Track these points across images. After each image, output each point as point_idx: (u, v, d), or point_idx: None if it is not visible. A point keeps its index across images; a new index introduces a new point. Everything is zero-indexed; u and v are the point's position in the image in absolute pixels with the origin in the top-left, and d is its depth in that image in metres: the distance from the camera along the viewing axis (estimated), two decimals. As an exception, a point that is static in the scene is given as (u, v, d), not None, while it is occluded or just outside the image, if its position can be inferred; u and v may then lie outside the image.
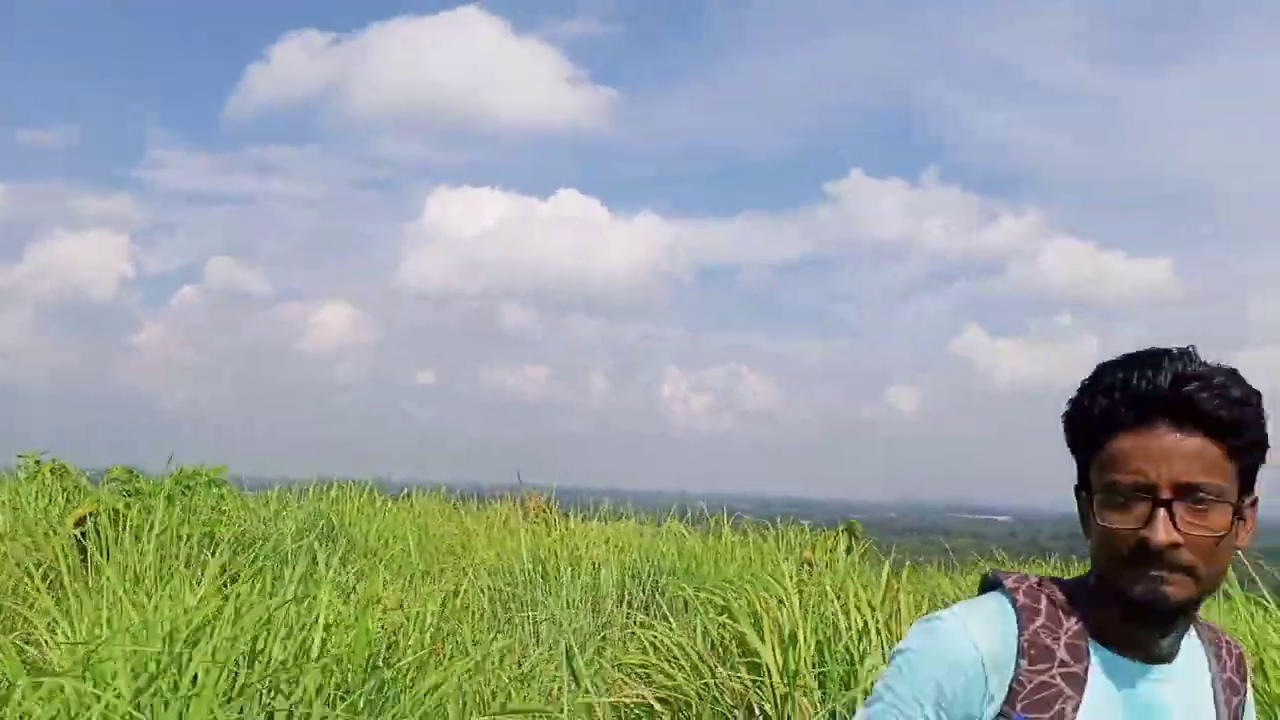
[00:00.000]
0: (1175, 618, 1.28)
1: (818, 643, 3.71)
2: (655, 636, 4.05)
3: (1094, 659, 1.33)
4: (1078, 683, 1.30)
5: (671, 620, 4.19)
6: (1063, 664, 1.31)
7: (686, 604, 5.09)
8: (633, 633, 4.29)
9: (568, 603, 5.23)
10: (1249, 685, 1.45)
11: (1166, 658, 1.34)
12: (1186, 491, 1.22)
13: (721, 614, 4.55)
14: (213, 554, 5.34)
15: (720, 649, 4.18)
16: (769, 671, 3.58)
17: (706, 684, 3.73)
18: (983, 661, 1.30)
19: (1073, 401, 1.34)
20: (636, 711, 3.67)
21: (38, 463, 9.04)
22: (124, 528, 5.99)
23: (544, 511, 9.69)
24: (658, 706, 3.62)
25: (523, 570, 6.43)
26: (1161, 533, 1.21)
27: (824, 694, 3.60)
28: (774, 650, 3.59)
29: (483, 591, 5.80)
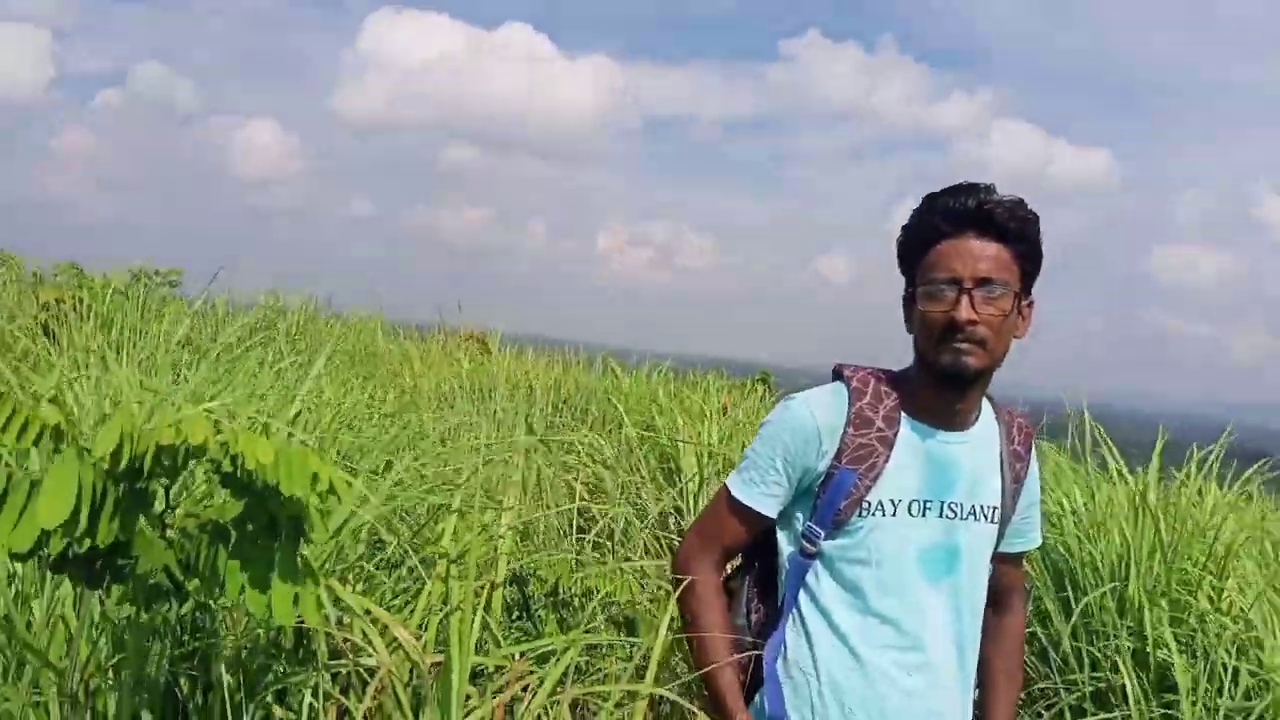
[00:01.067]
0: (973, 383, 1.74)
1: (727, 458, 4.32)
2: (585, 439, 4.63)
3: (904, 426, 1.78)
4: (888, 442, 1.76)
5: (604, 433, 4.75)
6: (879, 430, 1.76)
7: (617, 425, 5.68)
8: (570, 441, 4.84)
9: (504, 415, 5.73)
10: (1033, 457, 1.90)
11: (963, 425, 1.80)
12: (983, 282, 1.67)
13: (647, 430, 5.16)
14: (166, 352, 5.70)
15: (644, 460, 4.79)
16: (683, 470, 4.19)
17: (624, 482, 4.32)
18: (819, 429, 1.78)
19: (905, 225, 1.79)
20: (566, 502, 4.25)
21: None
22: (85, 317, 6.28)
23: (481, 342, 10.14)
24: (586, 496, 4.21)
25: (461, 389, 6.91)
26: (964, 310, 1.66)
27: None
28: (695, 461, 4.19)
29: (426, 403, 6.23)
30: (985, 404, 1.87)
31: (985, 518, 1.81)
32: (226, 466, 1.40)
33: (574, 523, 3.64)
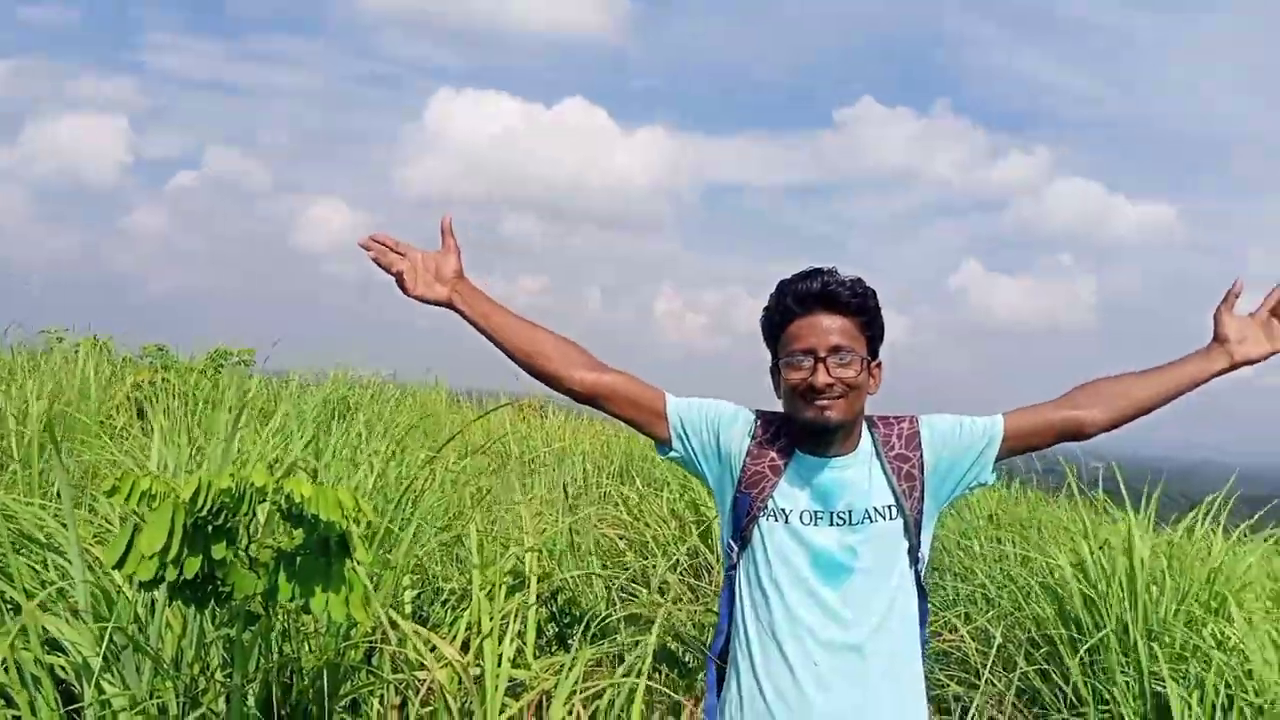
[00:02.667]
0: (835, 432, 2.02)
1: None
2: (625, 496, 5.02)
3: (793, 457, 2.06)
4: (778, 470, 2.05)
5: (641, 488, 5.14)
6: (772, 462, 2.06)
7: (656, 484, 6.06)
8: (609, 493, 5.23)
9: (552, 480, 6.16)
10: (924, 432, 2.10)
11: (843, 452, 2.05)
12: (835, 351, 1.97)
13: (685, 489, 5.53)
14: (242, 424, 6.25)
15: (678, 516, 5.16)
16: (713, 523, 4.56)
17: (657, 535, 4.69)
18: (752, 427, 2.10)
19: (765, 307, 2.09)
20: (610, 551, 4.63)
21: (61, 339, 9.83)
22: (173, 395, 6.89)
23: (536, 412, 10.63)
24: (627, 551, 4.59)
25: (516, 456, 7.35)
26: (821, 376, 1.96)
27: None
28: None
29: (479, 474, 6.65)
30: (865, 428, 2.12)
31: (883, 516, 2.03)
32: (283, 504, 1.86)
33: (606, 568, 4.00)
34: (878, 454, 2.09)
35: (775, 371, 2.09)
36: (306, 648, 2.37)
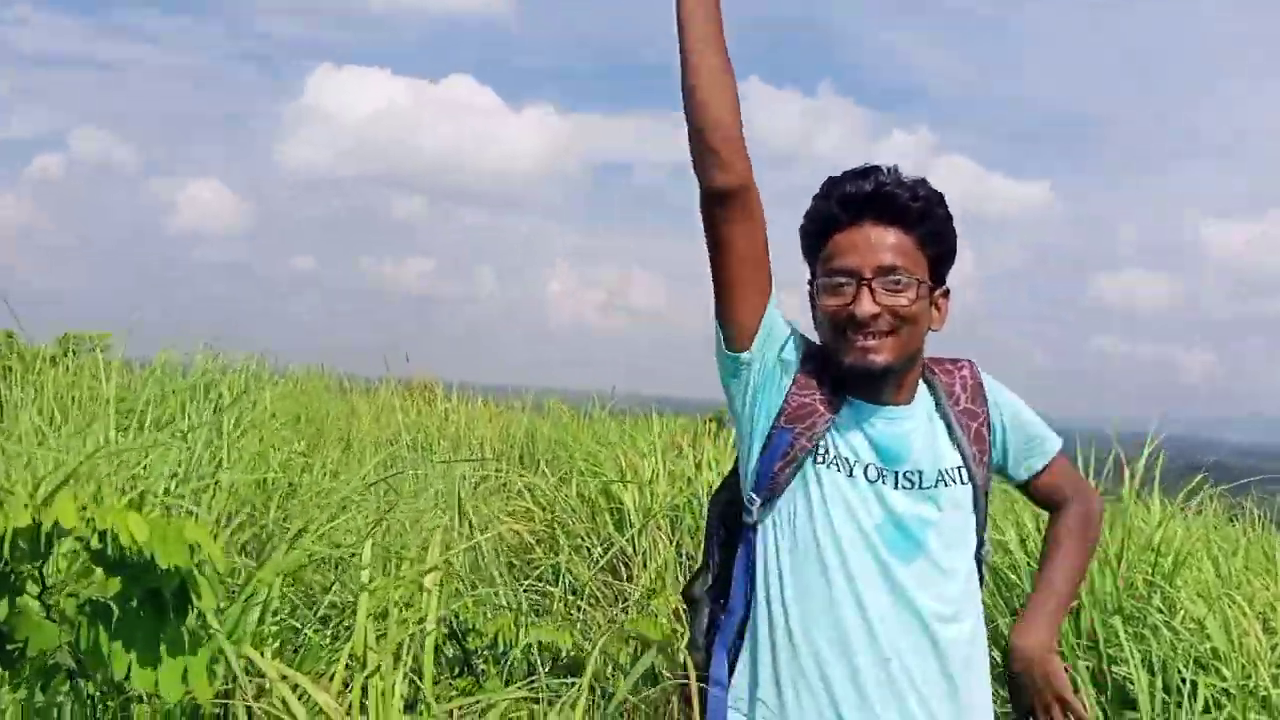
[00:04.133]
0: (885, 377, 1.60)
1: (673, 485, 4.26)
2: (531, 484, 4.53)
3: (843, 400, 1.63)
4: (831, 405, 1.61)
5: (549, 474, 4.67)
6: (823, 398, 1.61)
7: (563, 470, 5.59)
8: (511, 484, 4.74)
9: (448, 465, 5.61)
10: (990, 394, 1.72)
11: (904, 401, 1.65)
12: (885, 272, 1.55)
13: (594, 476, 5.08)
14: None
15: (590, 501, 4.70)
16: (628, 512, 4.12)
17: (567, 527, 4.23)
18: (806, 346, 1.66)
19: (806, 212, 1.65)
20: (516, 548, 4.15)
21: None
22: (15, 385, 6.07)
23: (429, 391, 10.00)
24: (536, 547, 4.11)
25: (408, 443, 6.78)
26: (865, 304, 1.54)
27: (675, 531, 4.17)
28: (633, 493, 4.12)
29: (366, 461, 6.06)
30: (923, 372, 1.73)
31: (956, 480, 1.64)
32: (95, 544, 1.31)
33: (513, 567, 3.53)
34: (939, 406, 1.69)
35: (812, 295, 1.66)
36: (135, 703, 1.81)
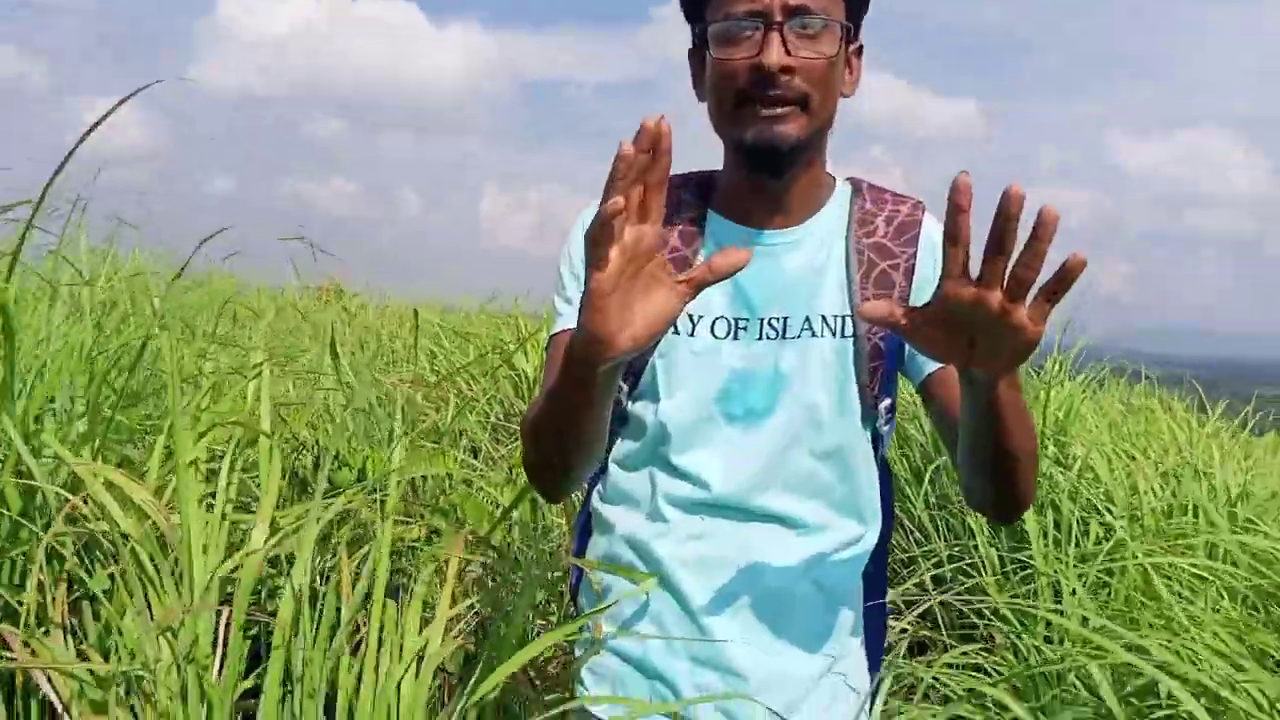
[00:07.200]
0: (793, 158, 1.27)
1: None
2: (432, 352, 4.38)
3: (709, 235, 1.34)
4: (685, 264, 1.31)
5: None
6: (673, 249, 1.32)
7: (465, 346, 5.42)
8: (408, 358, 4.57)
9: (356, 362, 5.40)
10: (920, 247, 1.34)
11: (794, 219, 1.34)
12: (796, 13, 1.21)
13: (497, 350, 4.93)
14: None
15: (490, 372, 4.56)
16: (524, 375, 4.00)
17: (462, 391, 4.09)
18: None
19: None
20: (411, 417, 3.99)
21: None
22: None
23: (337, 293, 9.67)
24: (430, 412, 3.96)
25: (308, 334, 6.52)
26: (774, 53, 1.19)
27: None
28: (536, 360, 4.00)
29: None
30: (840, 186, 1.40)
31: (831, 331, 1.31)
32: None
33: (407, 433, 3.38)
34: (848, 230, 1.34)
35: (698, 56, 1.32)
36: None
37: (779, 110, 1.21)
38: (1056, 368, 4.67)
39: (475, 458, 3.56)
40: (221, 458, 1.73)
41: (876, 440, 1.36)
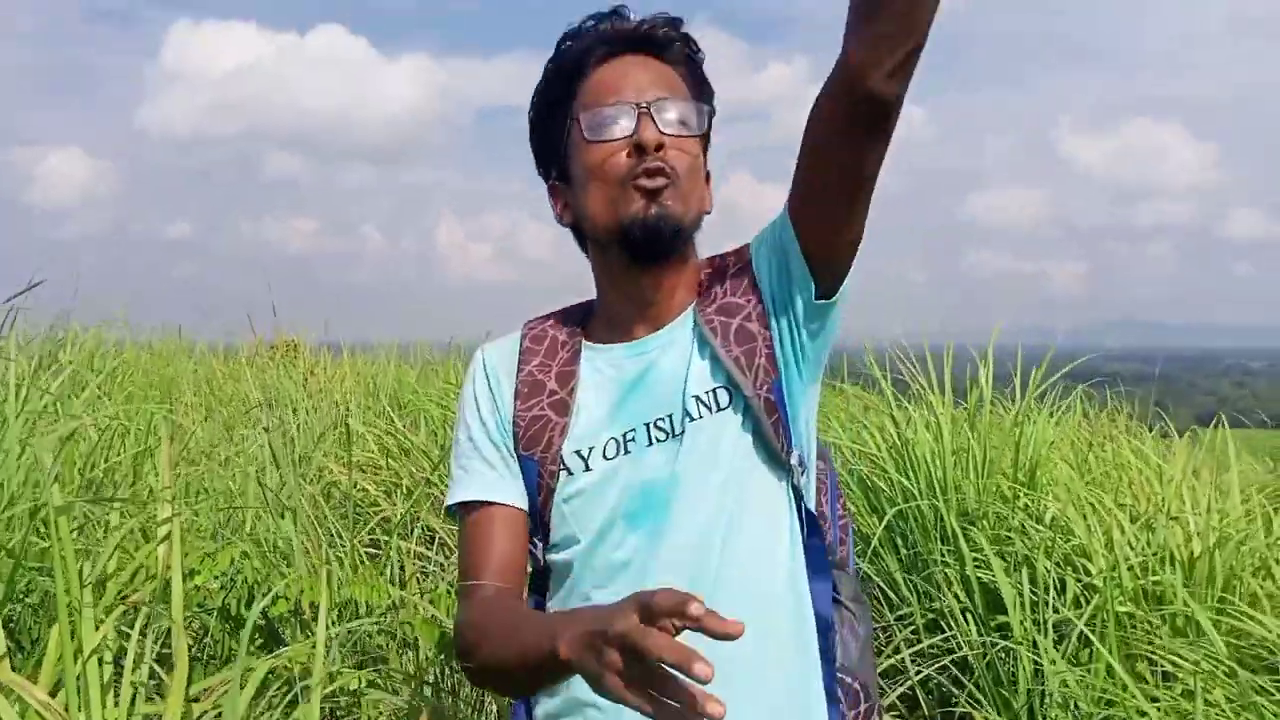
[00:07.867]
0: (674, 243, 1.30)
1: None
2: (383, 434, 4.23)
3: (584, 369, 1.37)
4: (564, 408, 1.34)
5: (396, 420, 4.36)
6: (551, 393, 1.35)
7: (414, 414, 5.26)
8: (359, 433, 4.42)
9: (297, 421, 5.23)
10: (758, 279, 1.35)
11: (664, 321, 1.36)
12: (661, 100, 1.29)
13: (447, 421, 4.78)
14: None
15: (445, 447, 4.42)
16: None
17: (414, 474, 3.95)
18: (485, 366, 1.41)
19: (537, 89, 1.39)
20: (361, 503, 3.85)
21: None
22: None
23: (292, 350, 9.49)
24: (380, 499, 3.82)
25: (259, 402, 6.35)
26: (650, 130, 1.25)
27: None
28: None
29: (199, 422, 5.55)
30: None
31: (711, 407, 1.30)
32: None
33: (359, 521, 3.23)
34: (694, 312, 1.36)
35: (557, 163, 1.38)
36: None
37: (660, 181, 1.26)
38: (1026, 398, 4.54)
39: (431, 547, 3.41)
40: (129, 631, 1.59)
41: (798, 497, 1.32)
